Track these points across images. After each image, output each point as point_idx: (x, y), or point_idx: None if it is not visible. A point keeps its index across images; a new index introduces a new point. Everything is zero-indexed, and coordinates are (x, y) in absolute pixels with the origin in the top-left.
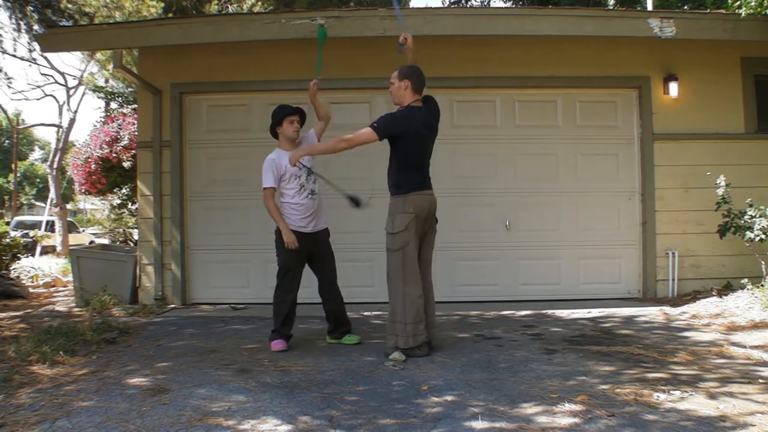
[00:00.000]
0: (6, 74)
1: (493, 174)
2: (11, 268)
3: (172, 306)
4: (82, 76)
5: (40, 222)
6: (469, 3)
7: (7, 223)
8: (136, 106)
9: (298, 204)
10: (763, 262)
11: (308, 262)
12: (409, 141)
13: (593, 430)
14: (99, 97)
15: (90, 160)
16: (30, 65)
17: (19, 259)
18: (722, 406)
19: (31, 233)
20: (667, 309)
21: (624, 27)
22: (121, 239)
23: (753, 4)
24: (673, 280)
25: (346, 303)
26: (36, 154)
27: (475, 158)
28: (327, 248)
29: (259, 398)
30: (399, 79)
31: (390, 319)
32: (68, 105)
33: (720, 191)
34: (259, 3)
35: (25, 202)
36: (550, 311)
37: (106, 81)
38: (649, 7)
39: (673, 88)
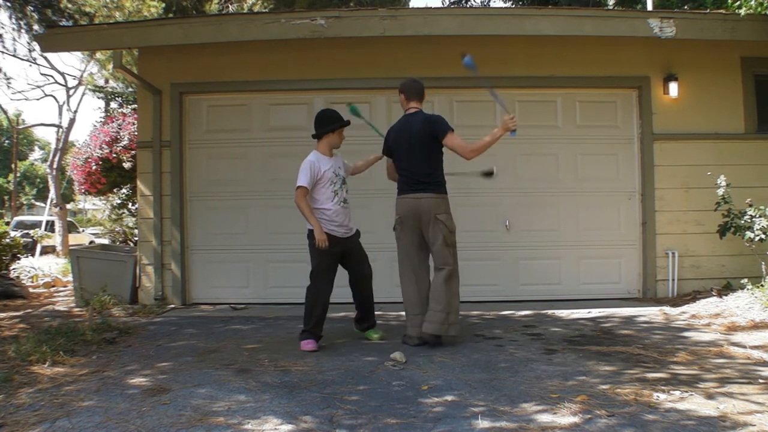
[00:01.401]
0: (6, 74)
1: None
2: (11, 268)
3: (172, 306)
4: (82, 76)
5: (40, 222)
6: (469, 3)
7: (7, 223)
8: (136, 106)
9: (329, 210)
10: (763, 262)
11: (341, 263)
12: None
13: (593, 430)
14: (99, 97)
15: (90, 160)
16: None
17: (19, 259)
18: (722, 406)
19: (31, 233)
20: (667, 309)
21: (624, 27)
22: (121, 239)
23: (753, 3)
24: (673, 280)
25: (347, 302)
26: (36, 154)
27: (475, 158)
28: (360, 249)
29: (260, 398)
30: (399, 91)
31: None
32: (68, 105)
33: (720, 191)
34: (259, 3)
35: (25, 202)
36: (550, 311)
37: (106, 81)
38: (649, 7)
39: (673, 88)
